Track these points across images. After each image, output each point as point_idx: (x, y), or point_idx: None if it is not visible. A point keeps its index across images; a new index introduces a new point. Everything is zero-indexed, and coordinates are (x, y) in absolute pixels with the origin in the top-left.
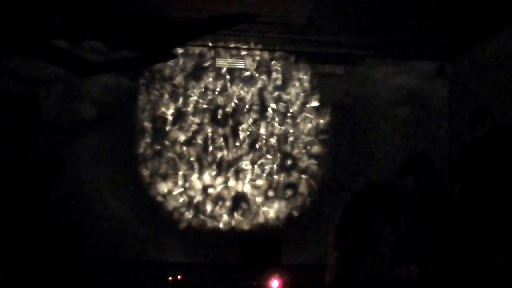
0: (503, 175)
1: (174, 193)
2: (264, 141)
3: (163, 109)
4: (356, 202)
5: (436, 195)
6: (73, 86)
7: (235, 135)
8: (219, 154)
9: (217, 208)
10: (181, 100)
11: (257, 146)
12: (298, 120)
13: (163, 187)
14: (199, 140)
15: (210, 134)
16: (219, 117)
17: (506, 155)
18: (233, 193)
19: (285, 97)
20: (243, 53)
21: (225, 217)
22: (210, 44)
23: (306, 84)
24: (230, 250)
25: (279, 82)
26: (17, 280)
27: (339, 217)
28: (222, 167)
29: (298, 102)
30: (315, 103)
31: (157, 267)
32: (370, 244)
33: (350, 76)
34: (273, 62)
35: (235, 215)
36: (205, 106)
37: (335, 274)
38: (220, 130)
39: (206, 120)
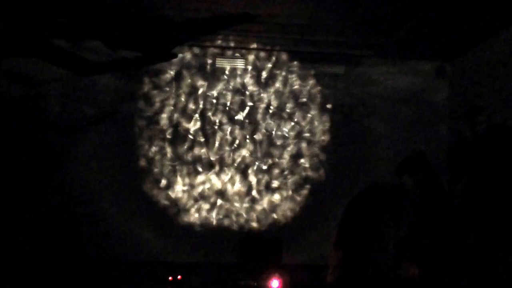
0: (502, 174)
1: (175, 193)
2: (264, 141)
3: (163, 108)
4: (359, 203)
5: (434, 194)
6: (73, 86)
7: (236, 134)
8: (221, 154)
9: (218, 208)
10: (181, 100)
11: (257, 146)
12: (298, 120)
13: (163, 187)
14: (200, 139)
15: (212, 134)
16: (220, 116)
17: (505, 153)
18: (234, 194)
19: (285, 97)
20: (243, 53)
21: (226, 217)
22: (210, 44)
23: (306, 84)
24: (230, 250)
25: (279, 82)
26: (17, 280)
27: (340, 218)
28: (224, 167)
29: (298, 102)
30: (315, 103)
31: (157, 267)
32: (374, 243)
33: (350, 76)
34: (273, 62)
35: (236, 215)
36: (206, 105)
37: (337, 274)
38: (222, 130)
39: (207, 120)
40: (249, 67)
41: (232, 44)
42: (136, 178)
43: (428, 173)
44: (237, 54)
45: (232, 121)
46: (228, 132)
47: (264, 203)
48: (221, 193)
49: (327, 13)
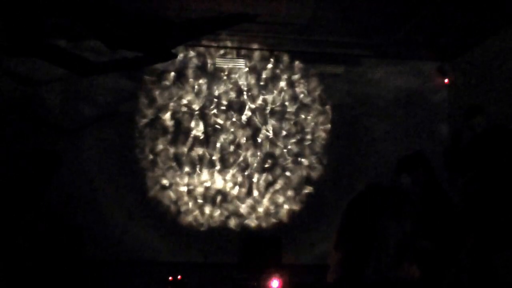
0: (502, 174)
1: (175, 193)
2: (264, 140)
3: (163, 108)
4: (359, 203)
5: (433, 193)
6: (73, 86)
7: (236, 134)
8: (221, 154)
9: (218, 208)
10: (182, 100)
11: (258, 146)
12: (298, 120)
13: (164, 187)
14: (201, 139)
15: (212, 134)
16: (220, 116)
17: (504, 153)
18: (234, 193)
19: (285, 97)
20: (243, 53)
21: (226, 217)
22: (210, 44)
23: (306, 84)
24: (230, 250)
25: (279, 82)
26: (17, 280)
27: (341, 218)
28: (225, 167)
29: (298, 102)
30: (315, 103)
31: (157, 267)
32: (375, 243)
33: (350, 76)
34: (273, 62)
35: (236, 214)
36: (206, 105)
37: (338, 274)
38: (222, 130)
39: (207, 120)
40: (250, 67)
41: (232, 44)
42: (137, 178)
43: (427, 172)
44: (237, 54)
45: (232, 121)
46: (228, 132)
47: (265, 203)
48: (222, 193)
49: (327, 13)
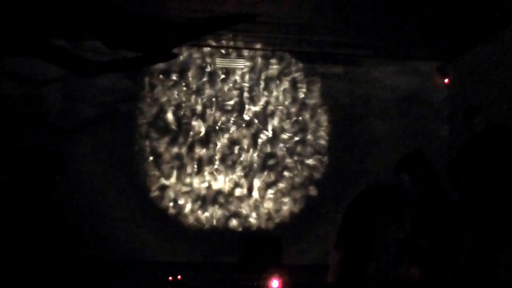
0: (501, 173)
1: (176, 193)
2: (264, 141)
3: (164, 109)
4: (359, 203)
5: (433, 192)
6: (73, 86)
7: (236, 134)
8: (221, 154)
9: (219, 208)
10: (182, 100)
11: (258, 146)
12: (298, 120)
13: (164, 187)
14: (201, 140)
15: (212, 134)
16: (221, 116)
17: (504, 153)
18: (234, 193)
19: (286, 97)
20: (243, 53)
21: (226, 217)
22: (210, 44)
23: (305, 84)
24: (230, 250)
25: (279, 82)
26: (17, 280)
27: (341, 218)
28: (225, 167)
29: (298, 102)
30: (315, 103)
31: (157, 267)
32: (376, 243)
33: (350, 76)
34: (274, 62)
35: (236, 215)
36: (207, 105)
37: (338, 274)
38: (222, 130)
39: (207, 120)
40: (250, 67)
41: (232, 44)
42: (137, 178)
43: (427, 172)
44: (237, 54)
45: (232, 121)
46: (228, 132)
47: (265, 203)
48: (222, 193)
49: (327, 13)
